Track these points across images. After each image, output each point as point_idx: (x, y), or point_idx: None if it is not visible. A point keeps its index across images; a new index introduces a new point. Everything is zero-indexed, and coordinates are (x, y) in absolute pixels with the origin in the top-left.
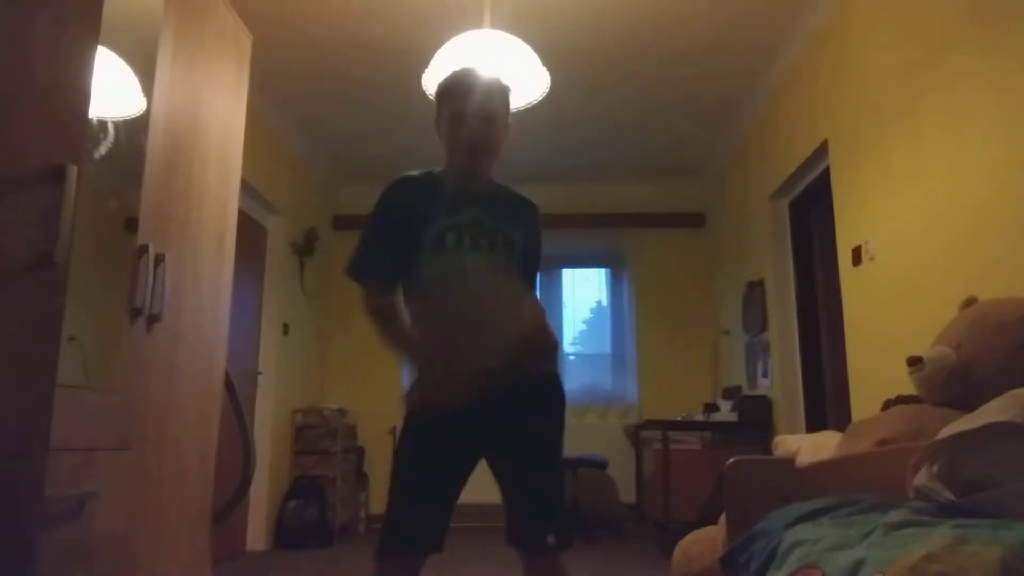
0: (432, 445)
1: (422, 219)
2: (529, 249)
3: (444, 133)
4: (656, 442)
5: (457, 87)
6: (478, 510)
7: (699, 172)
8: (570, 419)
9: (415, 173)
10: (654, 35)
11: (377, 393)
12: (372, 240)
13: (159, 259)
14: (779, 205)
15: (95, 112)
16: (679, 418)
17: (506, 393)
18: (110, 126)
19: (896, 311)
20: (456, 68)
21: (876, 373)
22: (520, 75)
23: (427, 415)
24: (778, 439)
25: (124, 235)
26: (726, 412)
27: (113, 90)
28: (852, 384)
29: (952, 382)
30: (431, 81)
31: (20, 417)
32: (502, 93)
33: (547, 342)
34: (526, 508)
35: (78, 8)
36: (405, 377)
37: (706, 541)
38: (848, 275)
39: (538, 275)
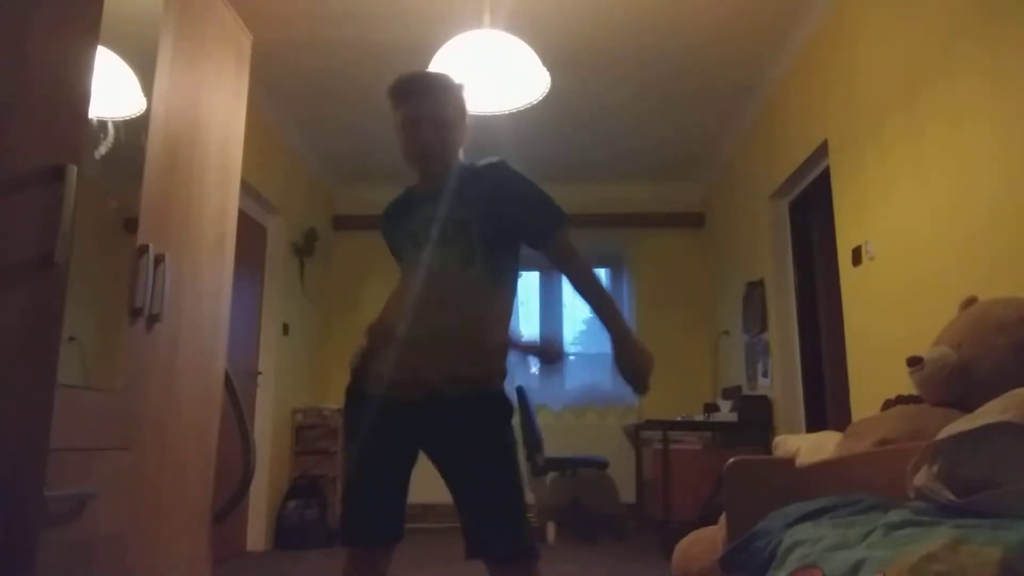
0: (375, 434)
1: (394, 237)
2: (507, 210)
3: (399, 136)
4: (656, 442)
5: (402, 91)
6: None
7: (699, 172)
8: (570, 419)
9: (395, 197)
10: (654, 35)
11: None
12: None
13: (159, 259)
14: (779, 205)
15: (95, 112)
16: (679, 418)
17: (442, 404)
18: (110, 126)
19: (896, 311)
20: (405, 71)
21: (876, 373)
22: (520, 75)
23: (371, 400)
24: (778, 439)
25: (124, 235)
26: (726, 412)
27: (113, 90)
28: (852, 384)
29: (952, 382)
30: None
31: (20, 417)
32: (451, 92)
33: (489, 345)
34: (470, 519)
35: (78, 8)
36: None
37: (706, 541)
38: (848, 275)
39: (563, 216)
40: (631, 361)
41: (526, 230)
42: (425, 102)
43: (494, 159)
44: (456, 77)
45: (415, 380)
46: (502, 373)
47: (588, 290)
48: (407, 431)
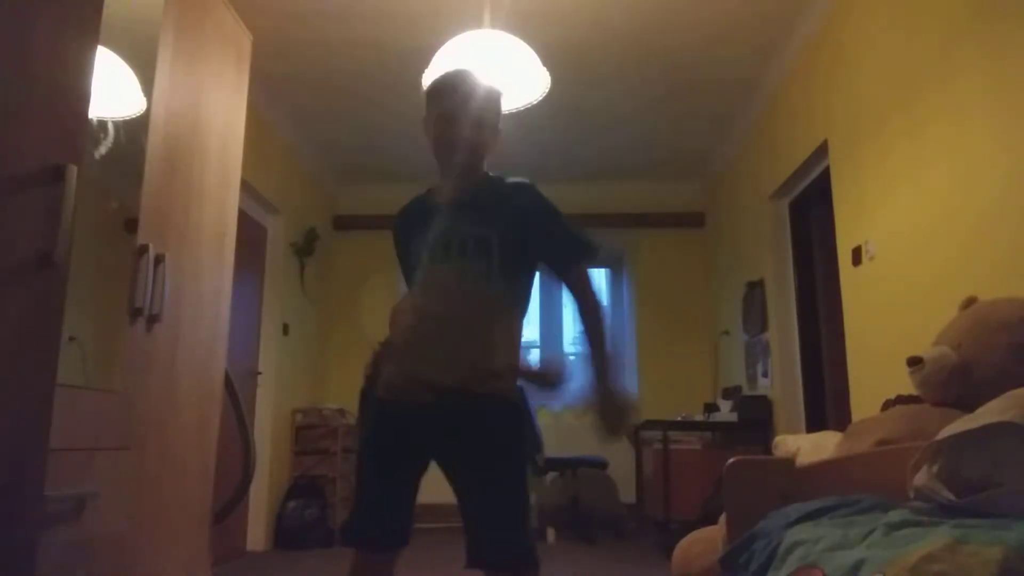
0: (385, 439)
1: (408, 243)
2: (532, 234)
3: (431, 133)
4: (656, 442)
5: (448, 87)
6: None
7: (699, 172)
8: (570, 419)
9: (411, 199)
10: (654, 35)
11: None
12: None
13: (159, 259)
14: (779, 205)
15: (95, 112)
16: (679, 418)
17: (452, 410)
18: (110, 126)
19: (896, 311)
20: (449, 68)
21: (876, 373)
22: (520, 75)
23: (382, 405)
24: (778, 439)
25: (124, 235)
26: (726, 412)
27: (113, 90)
28: (852, 384)
29: (952, 382)
30: (430, 80)
31: (20, 417)
32: (493, 97)
33: (501, 361)
34: (473, 528)
35: (78, 8)
36: None
37: (706, 541)
38: (848, 275)
39: (586, 249)
40: (609, 404)
41: (548, 258)
42: (467, 100)
43: (523, 181)
44: (496, 84)
45: (428, 388)
46: (515, 384)
47: (589, 325)
48: (418, 438)
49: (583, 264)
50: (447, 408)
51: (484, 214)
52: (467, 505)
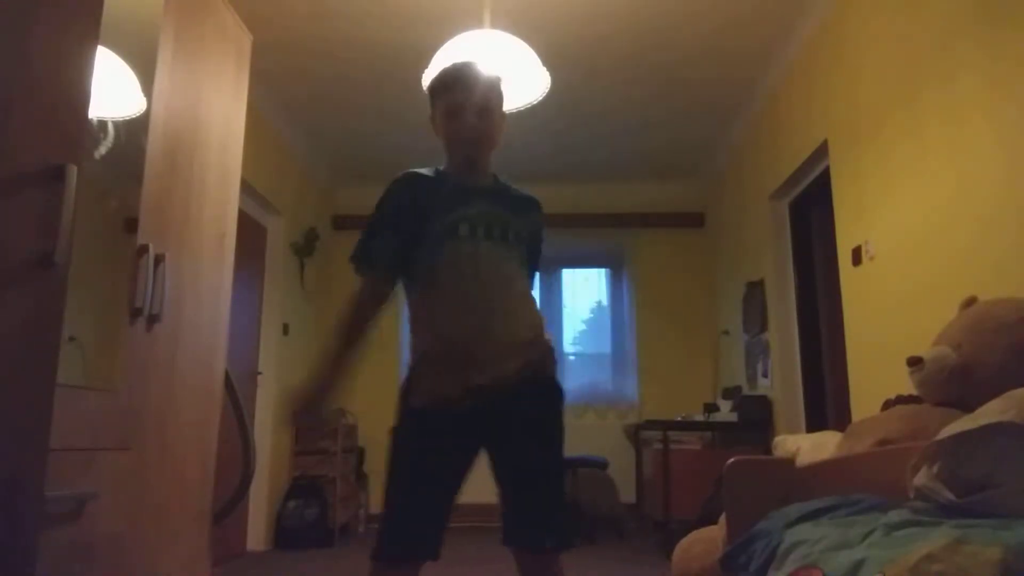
0: (436, 446)
1: (429, 212)
2: (532, 246)
3: (440, 128)
4: (656, 442)
5: (451, 80)
6: (478, 510)
7: (699, 172)
8: (570, 419)
9: (422, 169)
10: (654, 34)
11: (377, 393)
12: (378, 230)
13: (159, 259)
14: (779, 205)
15: (95, 112)
16: (679, 418)
17: (513, 392)
18: (110, 126)
19: (896, 311)
20: (449, 62)
21: (876, 373)
22: (520, 75)
23: (433, 413)
24: (778, 439)
25: (124, 235)
26: (726, 412)
27: (113, 90)
28: (852, 384)
29: (952, 382)
30: (431, 77)
31: (20, 417)
32: (496, 84)
33: (550, 345)
34: (527, 508)
35: (78, 8)
36: (405, 375)
37: (706, 541)
38: (848, 275)
39: (537, 275)
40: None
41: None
42: (470, 90)
43: (533, 196)
44: (495, 69)
45: (496, 377)
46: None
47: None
48: (478, 436)
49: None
50: (508, 393)
51: (515, 209)
52: (522, 485)
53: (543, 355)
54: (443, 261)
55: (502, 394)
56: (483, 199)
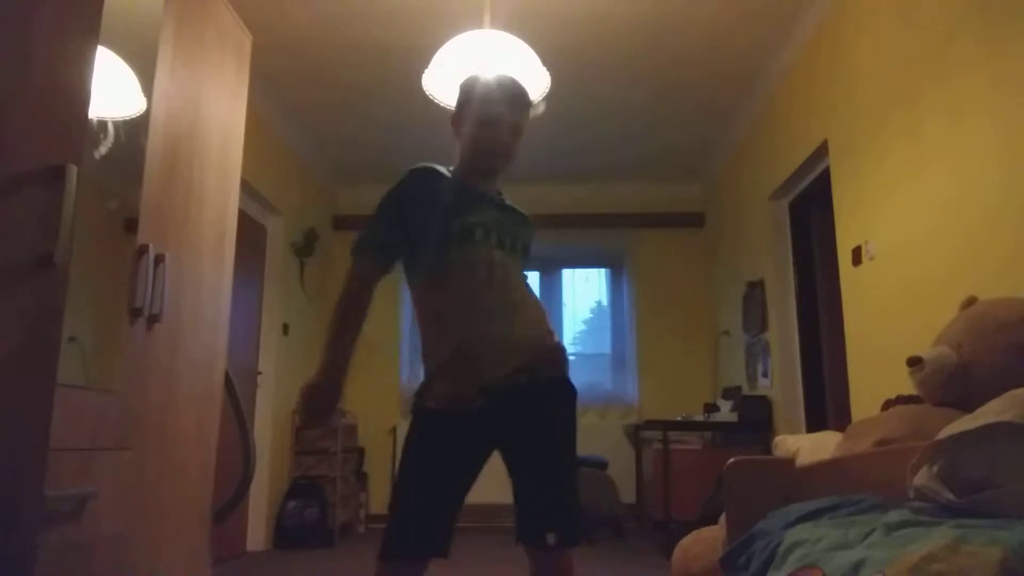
0: (448, 446)
1: (441, 209)
2: (524, 258)
3: (468, 131)
4: (656, 442)
5: (496, 92)
6: (479, 510)
7: (699, 172)
8: None
9: (438, 166)
10: (654, 34)
11: (377, 393)
12: (383, 219)
13: (159, 259)
14: (779, 205)
15: (95, 112)
16: (679, 418)
17: (525, 391)
18: (110, 126)
19: (896, 311)
20: (494, 72)
21: (876, 373)
22: (520, 75)
23: (445, 414)
24: (778, 439)
25: (124, 235)
26: (726, 412)
27: (113, 90)
28: (852, 384)
29: (952, 382)
30: (431, 81)
31: (20, 417)
32: (530, 107)
33: (561, 345)
34: (535, 504)
35: (78, 8)
36: (405, 375)
37: (706, 541)
38: (848, 275)
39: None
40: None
41: None
42: (511, 107)
43: (527, 213)
44: (528, 90)
45: (510, 377)
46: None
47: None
48: (491, 436)
49: None
50: (521, 391)
51: (517, 222)
52: (534, 481)
53: (555, 354)
54: (458, 262)
55: (514, 393)
56: (493, 207)
